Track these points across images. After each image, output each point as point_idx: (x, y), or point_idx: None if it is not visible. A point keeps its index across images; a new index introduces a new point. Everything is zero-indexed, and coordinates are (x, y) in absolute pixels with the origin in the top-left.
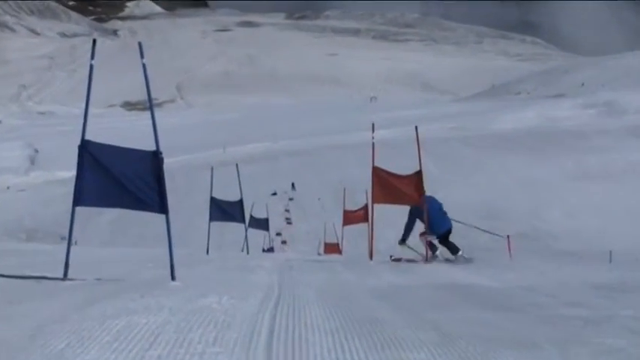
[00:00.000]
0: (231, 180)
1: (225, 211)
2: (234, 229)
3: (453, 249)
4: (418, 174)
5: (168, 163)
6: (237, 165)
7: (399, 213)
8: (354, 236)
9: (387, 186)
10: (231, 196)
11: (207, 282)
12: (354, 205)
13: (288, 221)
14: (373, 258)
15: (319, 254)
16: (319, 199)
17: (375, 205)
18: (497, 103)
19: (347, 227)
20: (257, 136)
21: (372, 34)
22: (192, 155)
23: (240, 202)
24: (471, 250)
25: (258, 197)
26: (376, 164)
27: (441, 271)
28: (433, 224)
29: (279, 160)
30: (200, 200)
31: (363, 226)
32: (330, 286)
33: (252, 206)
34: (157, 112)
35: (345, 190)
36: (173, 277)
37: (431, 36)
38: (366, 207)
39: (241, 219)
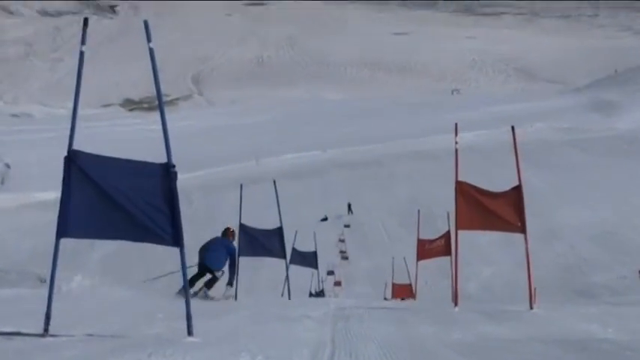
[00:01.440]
0: (266, 201)
1: (258, 242)
2: (272, 266)
3: None
4: (517, 190)
5: (183, 179)
6: (274, 181)
7: (495, 242)
8: (432, 274)
9: (476, 207)
10: (268, 223)
11: (235, 337)
12: (431, 233)
13: (344, 255)
14: (459, 303)
15: (386, 299)
16: (383, 225)
17: (460, 233)
18: (622, 95)
19: (423, 262)
20: (300, 144)
21: (452, 7)
22: (215, 169)
23: (280, 230)
24: (587, 288)
25: (304, 224)
26: (461, 177)
27: (553, 320)
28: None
29: (330, 174)
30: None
31: (444, 261)
32: (399, 341)
33: (296, 236)
34: (168, 113)
35: (419, 212)
36: (190, 332)
37: (531, 8)
38: (447, 235)
39: (281, 253)
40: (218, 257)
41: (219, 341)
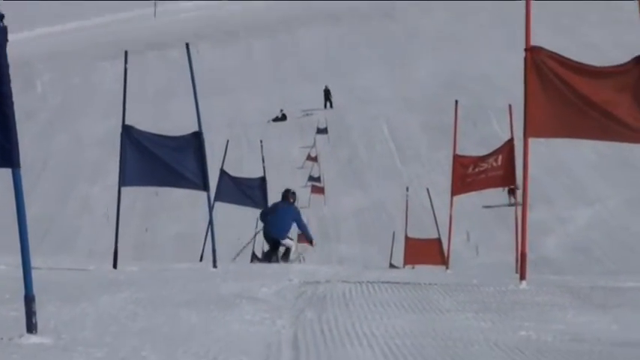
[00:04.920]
0: None
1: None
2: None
3: None
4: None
5: None
6: (186, 45)
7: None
8: (478, 223)
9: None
10: None
11: (107, 337)
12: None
13: (316, 186)
14: (526, 276)
15: (393, 266)
16: (389, 127)
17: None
18: None
19: (462, 199)
20: None
21: None
22: None
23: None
24: None
25: (243, 124)
26: None
27: None
28: None
29: (297, 32)
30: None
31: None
32: (420, 345)
33: (226, 149)
34: None
35: (456, 103)
36: (31, 327)
37: None
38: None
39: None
40: (283, 225)
41: (77, 343)
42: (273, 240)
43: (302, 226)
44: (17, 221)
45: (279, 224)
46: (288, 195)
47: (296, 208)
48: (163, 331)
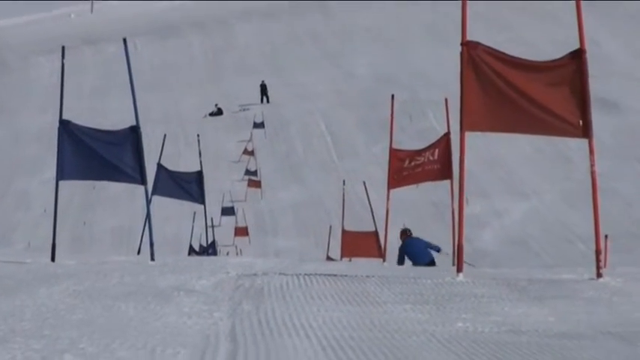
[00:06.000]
0: None
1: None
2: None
3: None
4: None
5: None
6: (124, 40)
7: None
8: (415, 216)
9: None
10: None
11: (44, 330)
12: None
13: (252, 180)
14: (463, 269)
15: (330, 258)
16: (326, 121)
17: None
18: None
19: (398, 192)
20: None
21: None
22: None
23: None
24: None
25: (181, 118)
26: None
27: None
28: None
29: (230, 27)
30: None
31: (436, 195)
32: (359, 337)
33: (164, 142)
34: None
35: (393, 98)
36: None
37: None
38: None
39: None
40: None
41: (15, 334)
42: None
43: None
44: None
45: None
46: None
47: None
48: (101, 323)
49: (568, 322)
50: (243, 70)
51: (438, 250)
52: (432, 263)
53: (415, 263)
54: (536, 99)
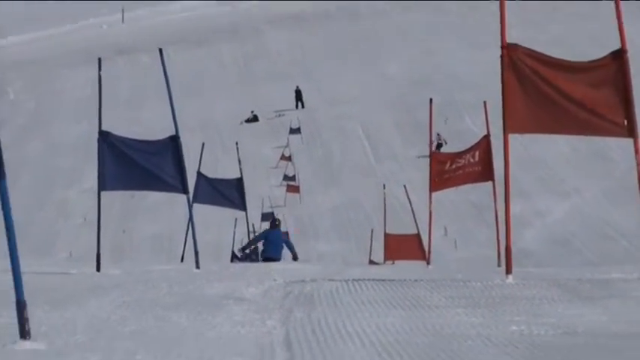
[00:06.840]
0: None
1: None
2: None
3: None
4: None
5: None
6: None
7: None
8: (456, 218)
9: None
10: None
11: (101, 340)
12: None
13: (291, 185)
14: (512, 270)
15: (373, 262)
16: (363, 126)
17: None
18: None
19: (440, 196)
20: None
21: None
22: None
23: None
24: None
25: (217, 126)
26: None
27: None
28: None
29: (263, 35)
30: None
31: (478, 197)
32: (415, 340)
33: (202, 150)
34: None
35: (431, 102)
36: (24, 334)
37: None
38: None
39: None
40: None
41: (71, 348)
42: (272, 260)
43: (290, 246)
44: (5, 228)
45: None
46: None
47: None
48: (154, 334)
49: (621, 322)
50: (276, 76)
51: (294, 256)
52: (276, 259)
53: (264, 252)
54: (579, 99)
